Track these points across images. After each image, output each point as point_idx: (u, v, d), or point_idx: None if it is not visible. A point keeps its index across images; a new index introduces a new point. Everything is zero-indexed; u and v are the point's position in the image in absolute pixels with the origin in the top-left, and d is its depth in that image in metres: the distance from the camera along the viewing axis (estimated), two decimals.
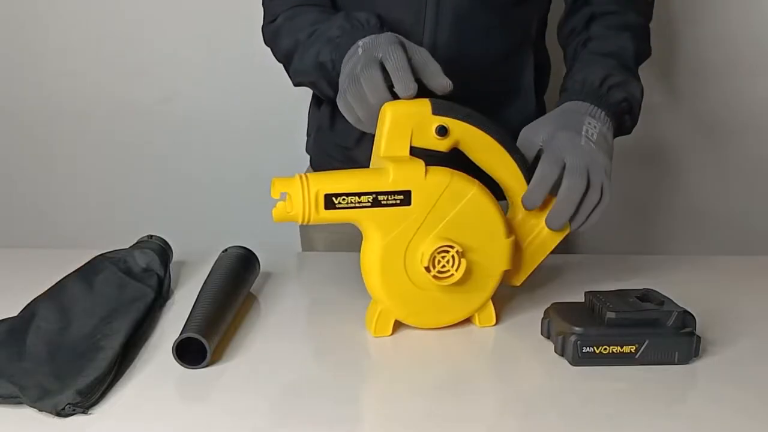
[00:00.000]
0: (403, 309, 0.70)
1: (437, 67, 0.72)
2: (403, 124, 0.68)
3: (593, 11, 0.91)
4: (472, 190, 0.68)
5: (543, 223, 0.74)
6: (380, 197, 0.66)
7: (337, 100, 0.74)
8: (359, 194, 0.65)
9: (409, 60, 0.71)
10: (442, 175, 0.68)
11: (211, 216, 1.40)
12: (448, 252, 0.67)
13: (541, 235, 0.75)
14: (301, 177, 0.65)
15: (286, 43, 0.89)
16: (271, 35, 0.93)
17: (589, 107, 0.78)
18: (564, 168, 0.72)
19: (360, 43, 0.74)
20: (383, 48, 0.71)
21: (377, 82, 0.69)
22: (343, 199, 0.65)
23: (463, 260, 0.67)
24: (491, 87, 0.91)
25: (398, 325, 0.72)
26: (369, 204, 0.65)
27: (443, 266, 0.67)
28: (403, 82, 0.69)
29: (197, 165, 1.39)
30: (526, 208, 0.73)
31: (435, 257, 0.67)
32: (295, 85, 0.91)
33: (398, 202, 0.66)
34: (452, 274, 0.67)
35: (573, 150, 0.73)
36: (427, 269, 0.67)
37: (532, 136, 0.76)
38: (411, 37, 0.86)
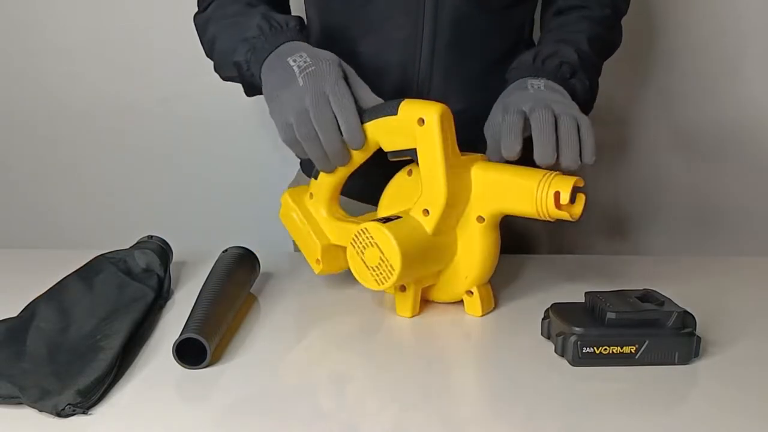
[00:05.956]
0: None
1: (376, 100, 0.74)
2: None
3: (559, 6, 0.93)
4: None
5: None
6: None
7: (282, 135, 0.74)
8: None
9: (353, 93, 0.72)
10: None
11: (211, 216, 1.40)
12: None
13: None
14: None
15: (208, 36, 0.88)
16: (199, 26, 0.91)
17: (528, 78, 0.79)
18: (525, 115, 0.71)
19: (294, 63, 0.73)
20: (329, 84, 0.71)
21: (331, 128, 0.71)
22: None
23: None
24: (490, 88, 0.91)
25: (394, 325, 0.73)
26: None
27: None
28: (353, 136, 0.71)
29: (197, 165, 1.39)
30: (507, 157, 0.72)
31: None
32: (224, 79, 0.89)
33: None
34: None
35: (526, 99, 0.73)
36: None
37: (490, 127, 0.76)
38: (409, 43, 0.86)
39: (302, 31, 0.80)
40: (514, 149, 0.70)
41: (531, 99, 0.73)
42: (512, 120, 0.71)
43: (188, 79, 1.33)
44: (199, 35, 0.92)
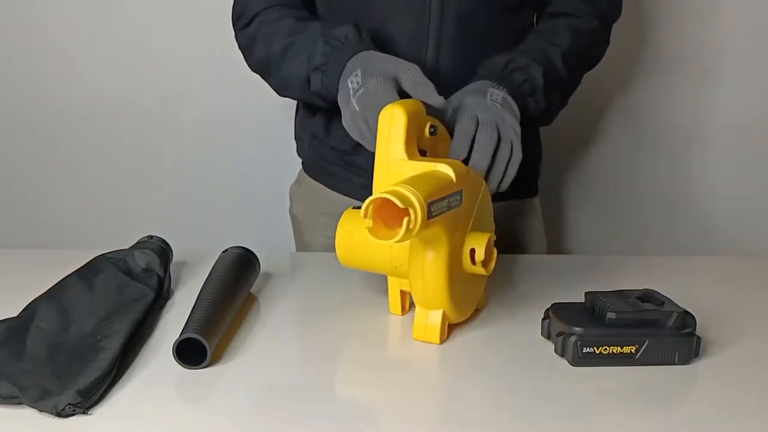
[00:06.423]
0: (459, 311, 0.69)
1: (431, 87, 0.75)
2: (415, 123, 0.68)
3: (551, 11, 0.94)
4: (483, 184, 0.71)
5: None
6: (451, 200, 0.61)
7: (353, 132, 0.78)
8: (441, 199, 0.59)
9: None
10: (475, 172, 0.70)
11: (211, 216, 1.40)
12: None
13: None
14: (412, 191, 0.56)
15: (259, 54, 0.90)
16: (245, 43, 0.93)
17: (491, 83, 0.81)
18: (478, 123, 0.75)
19: (350, 84, 0.77)
20: (381, 103, 0.71)
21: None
22: (436, 206, 0.58)
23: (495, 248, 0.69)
24: None
25: (394, 326, 0.72)
26: (446, 209, 0.60)
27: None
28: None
29: (197, 165, 1.39)
30: (453, 158, 0.73)
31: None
32: (281, 96, 0.93)
33: (458, 203, 0.63)
34: (492, 262, 0.69)
35: (482, 108, 0.76)
36: (483, 263, 0.67)
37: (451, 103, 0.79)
38: (414, 44, 0.87)
39: (361, 37, 0.83)
40: (461, 156, 0.73)
41: (485, 110, 0.76)
42: (467, 127, 0.74)
43: (188, 79, 1.33)
44: (243, 51, 0.94)
